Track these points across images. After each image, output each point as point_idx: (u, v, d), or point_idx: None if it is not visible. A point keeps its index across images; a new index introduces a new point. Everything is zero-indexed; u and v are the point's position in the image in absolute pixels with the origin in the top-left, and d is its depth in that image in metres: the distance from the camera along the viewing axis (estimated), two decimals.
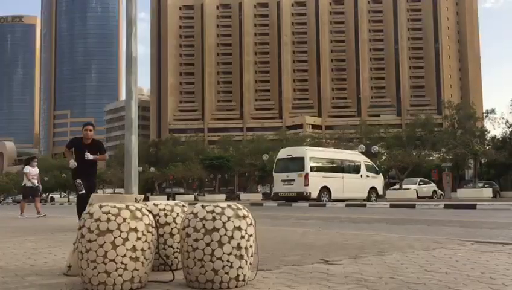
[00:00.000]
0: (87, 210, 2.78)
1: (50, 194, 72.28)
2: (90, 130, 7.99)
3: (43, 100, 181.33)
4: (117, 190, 63.60)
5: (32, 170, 13.34)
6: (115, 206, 2.72)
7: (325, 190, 21.44)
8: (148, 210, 2.87)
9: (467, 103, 50.96)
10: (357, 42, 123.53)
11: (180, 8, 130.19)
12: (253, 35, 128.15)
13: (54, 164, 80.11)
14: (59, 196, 73.93)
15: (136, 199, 3.18)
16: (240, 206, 2.86)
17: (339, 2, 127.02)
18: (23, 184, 13.42)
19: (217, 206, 2.80)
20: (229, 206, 2.81)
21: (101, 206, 2.72)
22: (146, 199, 13.41)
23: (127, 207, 2.74)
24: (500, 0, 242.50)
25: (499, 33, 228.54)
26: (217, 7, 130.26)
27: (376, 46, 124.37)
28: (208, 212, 2.75)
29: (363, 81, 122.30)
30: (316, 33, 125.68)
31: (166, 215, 3.37)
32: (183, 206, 3.51)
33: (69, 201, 61.19)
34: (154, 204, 3.42)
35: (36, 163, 13.87)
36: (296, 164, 21.66)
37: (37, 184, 13.39)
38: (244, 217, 2.80)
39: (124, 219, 2.67)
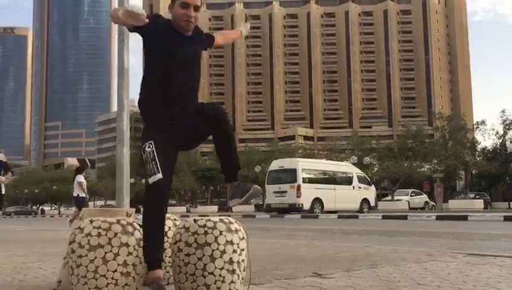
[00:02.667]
0: (78, 225, 2.76)
1: (40, 207, 71.63)
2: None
3: (34, 112, 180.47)
4: (108, 202, 63.18)
5: (84, 180, 12.94)
6: (105, 221, 2.70)
7: (318, 201, 21.47)
8: (139, 225, 2.85)
9: (458, 115, 51.36)
10: (349, 54, 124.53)
11: None
12: (246, 47, 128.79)
13: (45, 176, 79.48)
14: (49, 208, 73.27)
15: (127, 213, 3.15)
16: (232, 220, 2.85)
17: (330, 15, 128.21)
18: (75, 194, 12.83)
19: (209, 220, 2.79)
20: (221, 220, 2.80)
21: (91, 221, 2.70)
22: (138, 212, 13.18)
23: (118, 222, 2.72)
24: (490, 13, 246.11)
25: (489, 45, 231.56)
26: (209, 19, 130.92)
27: (367, 58, 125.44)
28: (199, 226, 2.74)
29: (354, 93, 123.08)
30: (307, 45, 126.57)
31: None
32: (175, 219, 3.49)
33: (59, 213, 60.63)
34: None
35: (84, 173, 13.56)
36: (288, 175, 21.68)
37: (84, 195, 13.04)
38: (236, 231, 2.79)
39: (115, 234, 2.65)
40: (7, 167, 8.88)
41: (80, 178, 12.77)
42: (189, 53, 2.84)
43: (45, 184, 71.08)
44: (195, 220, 2.79)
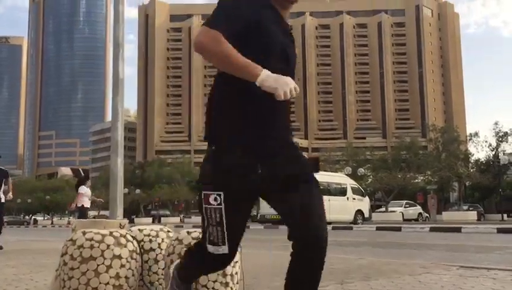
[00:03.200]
0: (70, 237, 2.74)
1: (33, 217, 71.06)
2: None
3: (28, 121, 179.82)
4: (102, 212, 62.76)
5: (88, 191, 12.59)
6: (98, 233, 2.68)
7: None
8: (132, 236, 2.84)
9: (451, 127, 51.65)
10: (343, 66, 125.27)
11: (168, 31, 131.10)
12: None
13: (38, 186, 78.97)
14: (42, 218, 72.72)
15: (120, 224, 3.14)
16: None
17: (325, 27, 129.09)
18: (79, 205, 12.45)
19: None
20: None
21: (84, 233, 2.68)
22: (131, 222, 13.08)
23: (110, 233, 2.71)
24: (483, 26, 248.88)
25: (482, 57, 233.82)
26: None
27: (361, 69, 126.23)
28: (193, 238, 2.73)
29: (349, 104, 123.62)
30: (302, 56, 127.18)
31: (151, 241, 3.32)
32: (169, 231, 3.47)
33: (52, 223, 60.16)
34: (139, 229, 3.38)
35: (89, 184, 13.05)
36: None
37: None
38: None
39: (108, 246, 2.63)
40: (7, 175, 8.52)
41: (81, 189, 12.45)
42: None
43: (38, 194, 70.61)
44: (188, 232, 2.78)
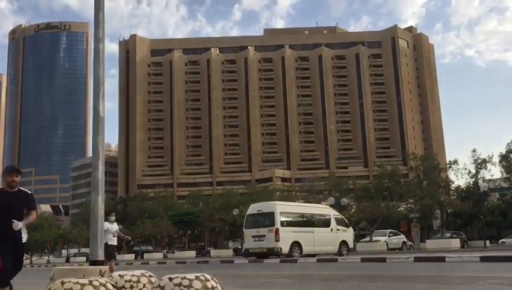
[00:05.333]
0: (48, 287, 2.68)
1: None
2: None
3: (7, 158, 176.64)
4: (82, 250, 61.30)
5: (111, 227, 11.48)
6: (77, 283, 2.63)
7: (296, 244, 21.26)
8: (113, 284, 2.79)
9: (431, 155, 52.38)
10: (323, 96, 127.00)
11: (148, 65, 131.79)
12: (222, 90, 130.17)
13: None
14: None
15: (100, 271, 3.08)
16: (208, 276, 2.82)
17: (304, 59, 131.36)
18: (104, 242, 11.52)
19: (185, 278, 2.75)
20: (196, 277, 2.76)
21: (62, 283, 2.63)
22: (113, 258, 12.65)
23: (90, 283, 2.66)
24: (458, 56, 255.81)
25: (458, 86, 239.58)
26: (185, 64, 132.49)
27: (341, 100, 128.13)
28: (175, 285, 2.69)
29: (330, 134, 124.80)
30: (283, 88, 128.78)
31: (132, 287, 3.26)
32: (150, 276, 3.42)
33: (31, 263, 58.47)
34: (119, 275, 3.31)
35: (114, 218, 11.87)
36: (266, 219, 21.53)
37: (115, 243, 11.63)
38: (212, 288, 2.75)
39: None
40: (33, 202, 5.81)
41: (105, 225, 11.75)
42: None
43: None
44: (170, 279, 2.74)
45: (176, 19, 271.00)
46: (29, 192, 5.87)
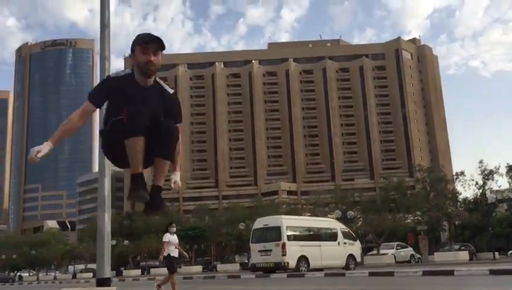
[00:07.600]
0: None
1: (18, 273, 69.03)
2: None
3: (14, 174, 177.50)
4: (89, 265, 61.18)
5: (173, 238, 11.06)
6: None
7: (303, 259, 21.16)
8: None
9: (437, 166, 52.13)
10: (328, 109, 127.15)
11: None
12: (227, 104, 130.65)
13: (24, 241, 77.10)
14: (28, 274, 70.61)
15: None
16: None
17: (309, 72, 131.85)
18: (166, 254, 10.89)
19: None
20: None
21: None
22: (120, 274, 12.47)
23: None
24: (463, 67, 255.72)
25: (464, 97, 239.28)
26: (190, 78, 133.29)
27: (346, 112, 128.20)
28: None
29: (335, 146, 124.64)
30: (287, 101, 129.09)
31: None
32: None
33: (37, 279, 58.50)
34: None
35: (175, 229, 11.41)
36: (273, 233, 21.47)
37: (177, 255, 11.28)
38: None
39: None
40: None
41: (165, 237, 10.94)
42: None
43: (23, 249, 68.80)
44: None
45: (181, 34, 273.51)
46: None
